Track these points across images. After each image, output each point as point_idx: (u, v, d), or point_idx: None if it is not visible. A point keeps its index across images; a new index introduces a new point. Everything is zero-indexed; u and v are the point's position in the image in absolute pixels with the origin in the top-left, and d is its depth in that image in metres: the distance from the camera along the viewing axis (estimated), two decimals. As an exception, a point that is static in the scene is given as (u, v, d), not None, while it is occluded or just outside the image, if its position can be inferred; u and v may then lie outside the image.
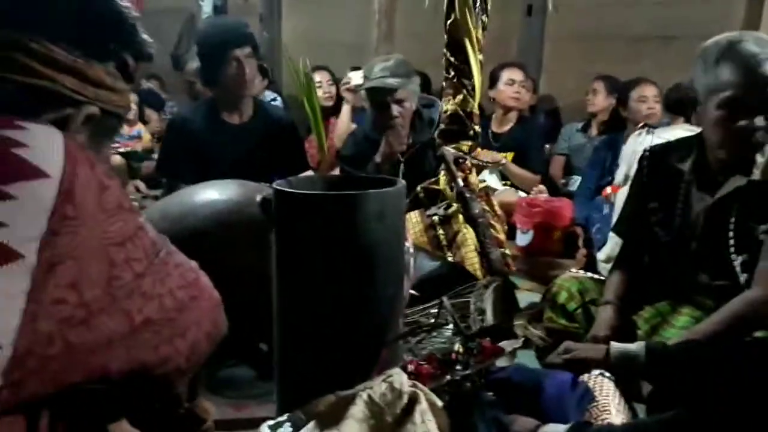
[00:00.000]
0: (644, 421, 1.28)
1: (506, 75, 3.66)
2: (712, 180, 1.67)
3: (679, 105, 3.01)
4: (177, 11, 6.24)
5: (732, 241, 1.60)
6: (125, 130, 4.36)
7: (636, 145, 2.70)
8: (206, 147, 2.52)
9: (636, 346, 1.42)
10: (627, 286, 1.81)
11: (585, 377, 1.41)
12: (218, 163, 2.45)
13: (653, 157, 1.82)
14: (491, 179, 3.38)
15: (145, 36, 0.91)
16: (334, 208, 1.40)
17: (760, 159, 1.57)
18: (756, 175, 1.57)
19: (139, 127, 4.44)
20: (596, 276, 2.04)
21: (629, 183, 2.00)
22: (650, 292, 1.80)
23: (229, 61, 2.45)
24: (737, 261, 1.58)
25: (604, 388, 1.37)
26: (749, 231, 1.57)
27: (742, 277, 1.56)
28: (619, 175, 2.81)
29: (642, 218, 1.81)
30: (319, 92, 4.10)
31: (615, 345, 1.45)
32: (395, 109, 2.77)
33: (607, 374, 1.42)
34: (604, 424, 1.24)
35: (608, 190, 2.94)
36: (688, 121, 2.92)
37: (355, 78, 3.41)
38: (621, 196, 2.60)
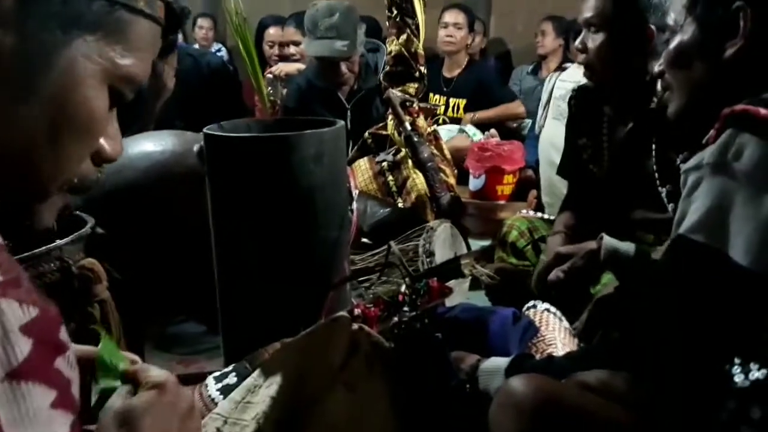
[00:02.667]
0: (582, 351, 1.28)
1: (445, 17, 3.56)
2: (628, 112, 1.67)
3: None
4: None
5: (657, 174, 1.60)
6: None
7: (548, 86, 2.71)
8: (137, 105, 2.41)
9: (626, 244, 1.41)
10: (575, 221, 1.80)
11: (531, 312, 1.40)
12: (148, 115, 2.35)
13: (579, 96, 1.83)
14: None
15: None
16: (268, 150, 1.34)
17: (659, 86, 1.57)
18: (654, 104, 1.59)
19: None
20: (546, 216, 2.03)
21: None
22: (594, 230, 1.81)
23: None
24: (663, 192, 1.58)
25: (550, 323, 1.36)
26: (670, 161, 1.58)
27: (669, 207, 1.56)
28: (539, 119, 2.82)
29: (578, 157, 1.81)
30: (274, 51, 3.96)
31: (607, 238, 1.43)
32: (344, 66, 2.69)
33: (553, 309, 1.42)
34: (544, 357, 1.24)
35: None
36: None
37: (285, 68, 3.30)
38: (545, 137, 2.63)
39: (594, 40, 1.63)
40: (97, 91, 0.54)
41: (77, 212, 1.39)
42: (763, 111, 0.82)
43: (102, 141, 0.58)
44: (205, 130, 1.41)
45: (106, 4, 0.53)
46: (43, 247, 1.19)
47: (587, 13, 1.64)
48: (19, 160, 0.52)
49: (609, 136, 1.73)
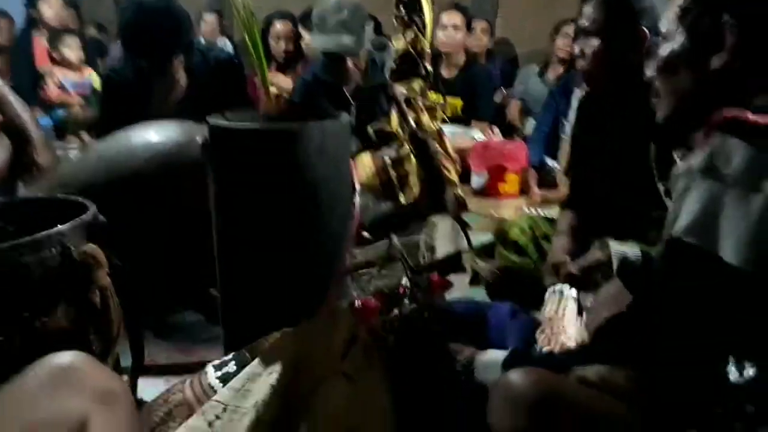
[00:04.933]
0: (582, 347, 1.28)
1: (444, 19, 3.53)
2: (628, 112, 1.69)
3: None
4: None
5: (656, 171, 1.61)
6: (76, 77, 4.16)
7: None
8: (145, 100, 2.42)
9: (633, 249, 1.42)
10: (578, 221, 1.80)
11: (547, 295, 1.40)
12: (159, 112, 2.36)
13: (584, 98, 1.88)
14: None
15: None
16: (271, 141, 1.33)
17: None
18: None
19: (90, 73, 4.23)
20: (547, 214, 2.04)
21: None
22: (598, 228, 1.81)
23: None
24: (662, 188, 1.59)
25: (561, 306, 1.37)
26: (668, 158, 1.58)
27: (668, 204, 1.57)
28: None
29: (581, 156, 1.82)
30: (280, 46, 3.97)
31: (614, 245, 1.45)
32: (350, 62, 2.70)
33: (567, 291, 1.43)
34: (544, 352, 1.24)
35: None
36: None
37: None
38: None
39: (590, 45, 1.67)
40: None
41: (79, 198, 1.40)
42: (751, 117, 0.85)
43: None
44: (208, 119, 1.41)
45: None
46: (44, 232, 1.19)
47: (582, 20, 1.70)
48: None
49: (610, 136, 1.75)
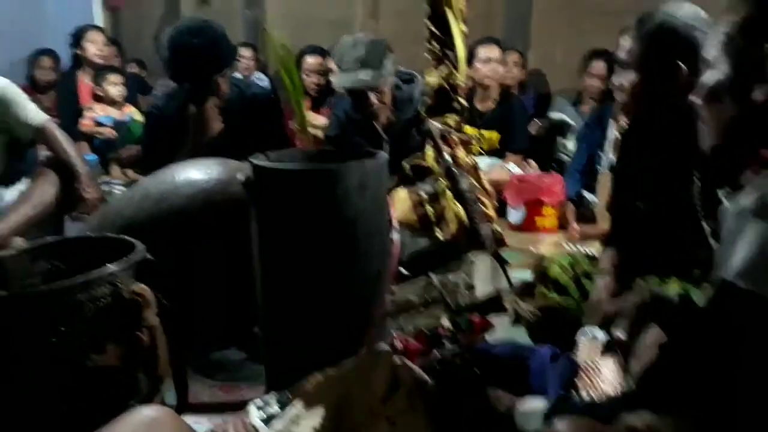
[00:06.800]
0: (627, 393, 1.26)
1: (482, 52, 3.54)
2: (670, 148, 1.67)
3: None
4: (160, -6, 6.15)
5: (700, 209, 1.59)
6: (116, 113, 4.29)
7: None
8: (185, 133, 2.48)
9: (669, 292, 1.40)
10: (620, 259, 1.78)
11: (580, 341, 1.38)
12: (199, 147, 2.42)
13: (625, 133, 1.86)
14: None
15: None
16: (313, 181, 1.36)
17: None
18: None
19: (131, 111, 4.37)
20: (588, 251, 2.01)
21: None
22: (641, 265, 1.78)
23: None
24: (708, 228, 1.57)
25: (599, 354, 1.35)
26: (713, 196, 1.56)
27: (713, 243, 1.54)
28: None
29: (624, 192, 1.80)
30: (312, 79, 4.06)
31: (650, 286, 1.43)
32: (373, 96, 2.73)
33: (599, 334, 1.41)
34: (587, 400, 1.22)
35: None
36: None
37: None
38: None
39: (628, 79, 1.66)
40: None
41: (127, 237, 1.44)
42: None
43: None
44: (251, 159, 1.44)
45: None
46: (96, 271, 1.22)
47: (620, 53, 1.70)
48: None
49: (653, 172, 1.73)
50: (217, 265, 1.79)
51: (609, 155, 3.07)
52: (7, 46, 4.20)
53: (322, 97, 4.27)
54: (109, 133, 4.14)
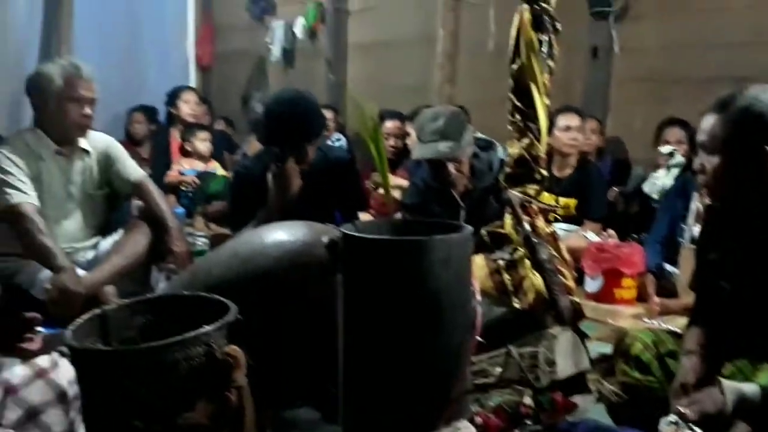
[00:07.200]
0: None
1: (562, 121, 3.56)
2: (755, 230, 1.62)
3: None
4: (247, 54, 6.49)
5: None
6: (202, 167, 4.54)
7: None
8: (263, 197, 2.61)
9: (750, 386, 1.35)
10: (707, 340, 1.73)
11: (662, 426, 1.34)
12: (280, 206, 2.54)
13: (708, 211, 1.82)
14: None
15: None
16: (400, 253, 1.40)
17: None
18: None
19: (214, 165, 4.62)
20: (671, 328, 1.95)
21: None
22: (729, 347, 1.72)
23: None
24: None
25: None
26: None
27: None
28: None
29: (707, 271, 1.76)
30: (389, 142, 4.19)
31: (728, 384, 1.37)
32: (451, 166, 2.79)
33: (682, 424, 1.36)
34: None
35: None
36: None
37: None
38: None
39: (710, 162, 1.62)
40: None
41: (219, 298, 1.50)
42: None
43: None
44: (342, 228, 1.50)
45: None
46: (193, 332, 1.29)
47: (701, 136, 1.65)
48: None
49: (737, 253, 1.68)
50: (298, 324, 1.84)
51: (692, 227, 2.99)
52: (111, 102, 4.54)
53: (398, 159, 4.39)
54: (191, 180, 4.37)
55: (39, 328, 2.41)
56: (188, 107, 4.84)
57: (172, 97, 4.92)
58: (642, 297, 2.96)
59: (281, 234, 1.96)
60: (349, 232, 1.47)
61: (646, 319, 2.68)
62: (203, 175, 4.41)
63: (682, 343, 1.75)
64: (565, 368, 1.51)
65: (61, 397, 1.58)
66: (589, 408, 1.74)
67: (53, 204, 2.65)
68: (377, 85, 5.38)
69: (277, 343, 1.78)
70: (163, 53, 6.50)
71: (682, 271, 2.89)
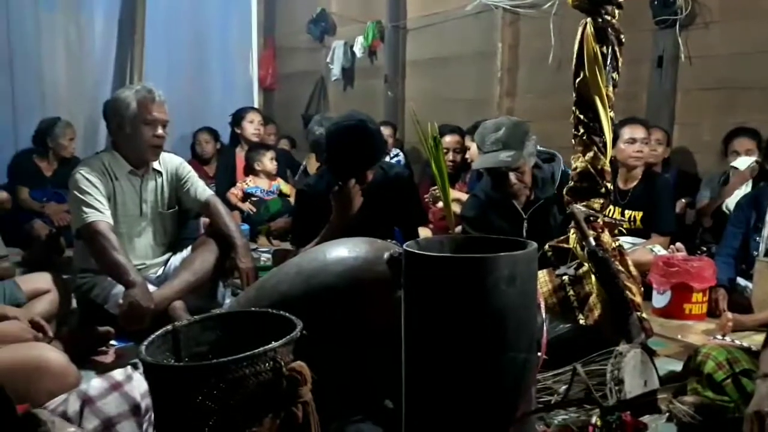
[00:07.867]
0: None
1: (627, 133, 3.47)
2: None
3: None
4: (308, 74, 6.64)
5: None
6: (265, 185, 4.67)
7: None
8: (325, 215, 2.65)
9: None
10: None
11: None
12: (342, 222, 2.60)
13: None
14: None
15: None
16: (464, 270, 1.39)
17: None
18: None
19: (278, 182, 4.75)
20: (745, 344, 1.88)
21: None
22: None
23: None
24: None
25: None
26: None
27: None
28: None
29: None
30: (448, 157, 4.21)
31: None
32: (513, 176, 2.77)
33: None
34: None
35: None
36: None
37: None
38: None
39: None
40: None
41: (287, 314, 1.54)
42: None
43: None
44: (404, 246, 1.51)
45: None
46: (261, 348, 1.32)
47: None
48: None
49: None
50: (358, 338, 1.86)
51: (766, 239, 2.88)
52: (178, 124, 4.74)
53: (457, 173, 4.39)
54: (248, 209, 4.51)
55: (112, 342, 2.55)
56: (252, 127, 4.98)
57: (237, 117, 5.07)
58: (713, 312, 2.85)
59: (343, 251, 1.99)
60: (412, 250, 1.48)
61: (718, 336, 2.58)
62: (259, 203, 4.54)
63: (759, 363, 1.68)
64: (633, 387, 1.47)
65: (135, 409, 1.65)
66: (660, 429, 1.69)
67: (127, 222, 2.77)
68: (436, 100, 5.40)
69: (339, 358, 1.80)
70: (228, 76, 6.73)
71: (756, 286, 2.78)
